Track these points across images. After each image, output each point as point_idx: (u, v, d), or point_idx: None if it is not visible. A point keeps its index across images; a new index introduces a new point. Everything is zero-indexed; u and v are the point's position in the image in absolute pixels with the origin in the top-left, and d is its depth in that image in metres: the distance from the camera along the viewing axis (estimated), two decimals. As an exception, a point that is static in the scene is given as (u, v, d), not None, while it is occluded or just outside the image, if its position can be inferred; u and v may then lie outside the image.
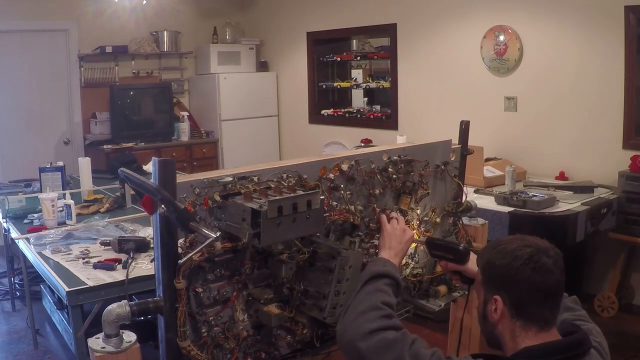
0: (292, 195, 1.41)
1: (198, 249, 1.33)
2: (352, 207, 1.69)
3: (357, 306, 1.45)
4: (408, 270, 1.93)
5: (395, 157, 1.81)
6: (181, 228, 1.32)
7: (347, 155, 1.72)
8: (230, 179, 1.45)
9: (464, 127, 2.09)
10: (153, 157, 1.34)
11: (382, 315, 1.41)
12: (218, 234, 1.33)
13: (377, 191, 1.76)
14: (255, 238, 1.36)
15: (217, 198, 1.42)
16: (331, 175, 1.64)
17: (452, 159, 2.03)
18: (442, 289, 2.01)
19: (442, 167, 1.98)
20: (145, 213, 1.36)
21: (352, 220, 1.67)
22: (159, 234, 1.33)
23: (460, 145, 2.09)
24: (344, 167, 1.68)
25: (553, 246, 1.39)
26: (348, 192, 1.69)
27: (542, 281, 1.33)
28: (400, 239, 1.67)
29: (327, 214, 1.60)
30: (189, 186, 1.39)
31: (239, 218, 1.38)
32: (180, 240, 1.37)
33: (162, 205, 1.28)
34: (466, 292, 1.90)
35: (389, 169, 1.79)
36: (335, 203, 1.66)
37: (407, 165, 1.84)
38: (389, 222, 1.70)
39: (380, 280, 1.51)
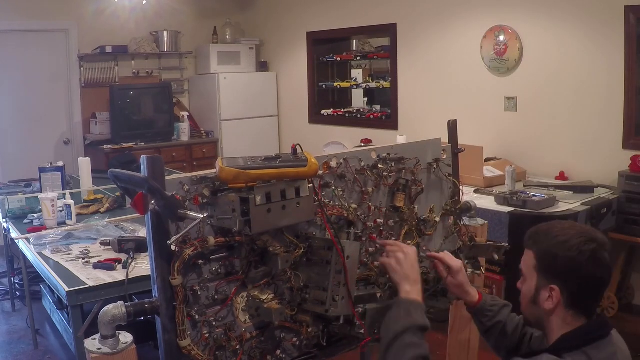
0: (279, 182, 1.44)
1: (187, 229, 1.32)
2: (346, 204, 1.70)
3: None
4: None
5: (384, 155, 1.82)
6: (170, 216, 1.32)
7: (336, 154, 1.73)
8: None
9: (452, 126, 2.11)
10: (142, 155, 1.34)
11: None
12: (205, 214, 1.35)
13: (369, 189, 1.77)
14: (246, 226, 1.38)
15: (207, 193, 1.43)
16: (320, 172, 1.64)
17: (444, 157, 2.04)
18: None
19: (435, 164, 1.99)
20: (143, 214, 1.36)
21: (346, 215, 1.68)
22: (151, 232, 1.33)
23: (450, 144, 2.10)
24: (332, 164, 1.69)
25: (603, 235, 1.42)
26: (340, 189, 1.70)
27: (601, 276, 1.37)
28: (410, 263, 1.56)
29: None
30: (177, 183, 1.40)
31: (229, 210, 1.39)
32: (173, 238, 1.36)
33: (151, 198, 1.28)
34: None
35: (379, 166, 1.80)
36: (327, 200, 1.66)
37: (398, 163, 1.85)
38: (388, 258, 1.60)
39: (406, 335, 1.39)
